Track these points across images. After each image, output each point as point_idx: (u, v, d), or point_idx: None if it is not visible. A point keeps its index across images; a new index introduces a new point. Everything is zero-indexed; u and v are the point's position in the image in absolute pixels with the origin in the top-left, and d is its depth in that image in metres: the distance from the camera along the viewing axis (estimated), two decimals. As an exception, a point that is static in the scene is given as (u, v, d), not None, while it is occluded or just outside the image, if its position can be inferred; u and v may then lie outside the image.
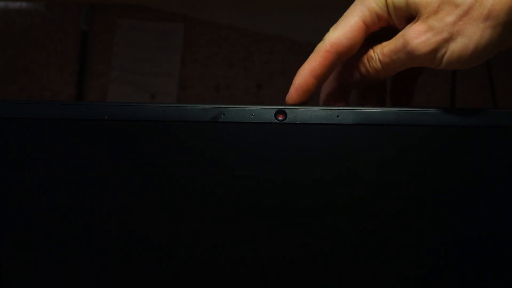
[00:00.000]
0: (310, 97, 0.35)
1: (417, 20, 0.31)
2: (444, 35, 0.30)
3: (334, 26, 0.34)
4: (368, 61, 0.34)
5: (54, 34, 1.00)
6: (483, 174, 0.33)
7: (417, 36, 0.31)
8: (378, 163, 0.33)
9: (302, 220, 0.33)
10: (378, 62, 0.33)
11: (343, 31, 0.33)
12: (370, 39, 0.35)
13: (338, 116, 0.33)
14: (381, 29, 0.35)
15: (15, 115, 0.34)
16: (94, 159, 0.34)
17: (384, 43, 0.33)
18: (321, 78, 0.34)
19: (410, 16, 0.32)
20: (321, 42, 0.34)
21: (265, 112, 0.33)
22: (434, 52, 0.31)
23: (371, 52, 0.34)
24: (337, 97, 0.37)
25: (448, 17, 0.30)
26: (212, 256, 0.34)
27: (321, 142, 0.33)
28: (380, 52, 0.33)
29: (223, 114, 0.33)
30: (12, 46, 1.00)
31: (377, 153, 0.33)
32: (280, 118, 0.33)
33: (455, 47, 0.30)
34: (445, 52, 0.31)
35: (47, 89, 1.00)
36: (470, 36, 0.30)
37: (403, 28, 0.32)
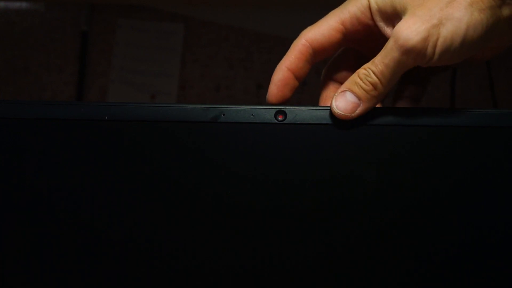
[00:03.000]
0: (290, 93, 0.35)
1: (405, 15, 0.31)
2: (433, 21, 0.30)
3: (312, 25, 0.35)
4: (361, 79, 0.32)
5: (54, 34, 1.00)
6: (483, 174, 0.33)
7: (407, 28, 0.30)
8: (378, 163, 0.33)
9: (302, 220, 0.33)
10: (372, 75, 0.31)
11: (320, 28, 0.34)
12: (359, 58, 0.34)
13: (338, 116, 0.33)
14: (368, 46, 0.34)
15: (15, 115, 0.34)
16: (94, 159, 0.34)
17: (373, 58, 0.32)
18: (298, 73, 0.34)
19: (395, 17, 0.32)
20: (297, 39, 0.35)
21: (265, 112, 0.33)
22: (426, 40, 0.30)
23: (362, 70, 0.32)
24: None
25: (435, 6, 0.30)
26: (212, 256, 0.34)
27: (321, 142, 0.33)
28: (372, 65, 0.31)
29: (223, 114, 0.33)
30: (12, 46, 1.00)
31: (377, 153, 0.33)
32: (280, 118, 0.33)
33: (446, 32, 0.30)
34: (437, 39, 0.30)
35: (47, 89, 1.00)
36: (460, 19, 0.30)
37: (387, 32, 0.32)
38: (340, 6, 0.34)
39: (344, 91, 0.32)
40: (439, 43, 0.30)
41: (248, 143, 0.33)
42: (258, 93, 0.96)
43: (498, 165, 0.33)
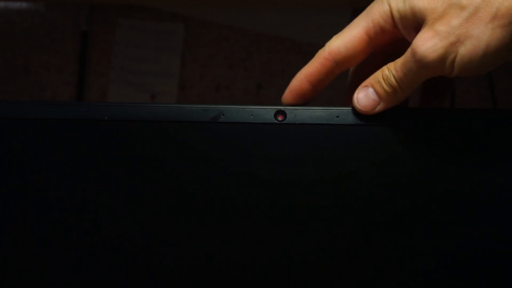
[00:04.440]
0: (305, 101, 0.35)
1: (423, 27, 0.30)
2: (451, 38, 0.29)
3: (338, 34, 0.34)
4: (384, 80, 0.32)
5: (54, 34, 1.00)
6: (483, 174, 0.33)
7: (424, 43, 0.29)
8: (378, 163, 0.33)
9: (302, 220, 0.33)
10: (393, 79, 0.32)
11: (344, 40, 0.33)
12: (387, 60, 0.34)
13: (338, 117, 0.33)
14: (396, 48, 0.34)
15: (15, 115, 0.34)
16: (94, 159, 0.34)
17: (397, 59, 0.32)
18: (316, 84, 0.34)
19: (417, 25, 0.31)
20: (322, 49, 0.34)
21: (265, 112, 0.33)
22: (443, 58, 0.29)
23: (385, 70, 0.32)
24: None
25: (455, 20, 0.29)
26: (212, 256, 0.34)
27: (321, 142, 0.33)
28: (393, 68, 0.32)
29: (223, 115, 0.33)
30: (12, 46, 1.00)
31: (377, 153, 0.33)
32: (280, 119, 0.33)
33: (464, 50, 0.29)
34: (455, 57, 0.29)
35: (47, 89, 1.00)
36: (479, 37, 0.28)
37: (411, 37, 0.31)
38: (362, 14, 0.33)
39: (367, 86, 0.33)
40: (457, 61, 0.29)
41: (248, 143, 0.33)
42: (258, 93, 0.96)
43: (498, 165, 0.33)
